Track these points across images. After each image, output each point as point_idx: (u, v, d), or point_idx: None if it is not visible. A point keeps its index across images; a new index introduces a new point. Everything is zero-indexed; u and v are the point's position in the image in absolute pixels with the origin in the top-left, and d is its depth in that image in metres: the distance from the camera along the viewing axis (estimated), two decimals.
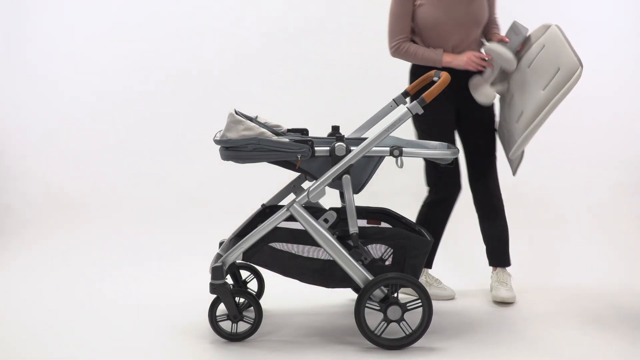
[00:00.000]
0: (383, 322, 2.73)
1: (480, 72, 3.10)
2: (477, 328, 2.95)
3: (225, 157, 2.74)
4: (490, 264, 3.34)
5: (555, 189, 4.53)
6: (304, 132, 3.01)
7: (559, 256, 3.90)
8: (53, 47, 4.74)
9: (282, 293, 3.23)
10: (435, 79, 2.99)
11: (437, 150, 2.88)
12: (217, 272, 2.74)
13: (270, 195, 3.09)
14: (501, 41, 3.11)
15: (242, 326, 2.83)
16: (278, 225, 2.76)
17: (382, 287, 2.71)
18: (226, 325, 2.82)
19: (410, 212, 3.28)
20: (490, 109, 3.22)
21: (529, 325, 2.97)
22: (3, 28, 4.72)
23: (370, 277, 2.72)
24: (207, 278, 2.80)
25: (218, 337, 2.81)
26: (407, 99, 3.10)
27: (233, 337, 2.81)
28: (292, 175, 2.97)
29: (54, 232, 4.34)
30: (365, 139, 2.78)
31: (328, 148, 2.72)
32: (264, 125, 2.87)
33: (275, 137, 2.70)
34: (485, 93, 3.06)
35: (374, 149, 2.73)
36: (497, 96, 3.18)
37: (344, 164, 2.72)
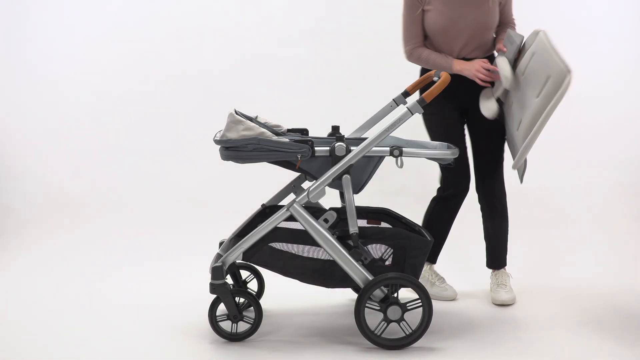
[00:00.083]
0: (383, 322, 2.73)
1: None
2: (477, 328, 2.95)
3: (225, 157, 2.74)
4: (489, 266, 3.34)
5: (555, 189, 4.53)
6: (304, 132, 3.01)
7: (559, 256, 3.90)
8: (53, 47, 4.74)
9: (282, 293, 3.23)
10: (435, 79, 3.00)
11: (437, 150, 2.88)
12: (217, 272, 2.74)
13: (270, 195, 3.09)
14: (500, 50, 3.09)
15: (242, 326, 2.83)
16: (278, 225, 2.76)
17: (382, 287, 2.71)
18: (226, 325, 2.82)
19: (410, 212, 3.28)
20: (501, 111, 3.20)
21: (529, 326, 2.97)
22: (3, 28, 4.71)
23: (370, 277, 2.72)
24: (207, 278, 2.80)
25: (218, 337, 2.81)
26: (408, 99, 3.09)
27: (233, 337, 2.81)
28: (292, 175, 2.97)
29: (54, 232, 4.34)
30: (365, 139, 2.78)
31: (328, 148, 2.72)
32: (264, 125, 2.87)
33: (275, 137, 2.70)
34: (488, 106, 3.03)
35: (374, 149, 2.73)
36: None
37: (344, 164, 2.72)
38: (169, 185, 4.64)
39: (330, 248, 2.72)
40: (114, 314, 3.14)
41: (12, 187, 4.63)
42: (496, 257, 3.31)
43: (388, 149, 2.73)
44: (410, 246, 2.77)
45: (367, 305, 2.72)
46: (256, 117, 2.94)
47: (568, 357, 2.67)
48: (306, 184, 2.94)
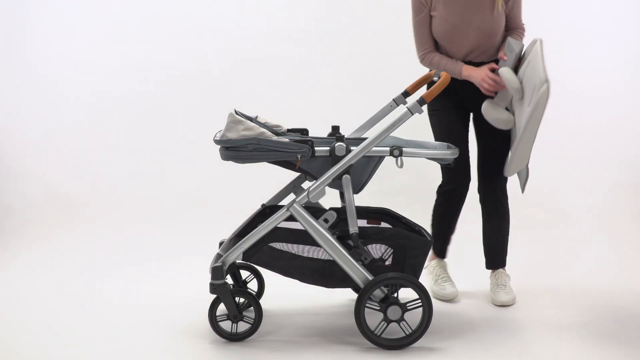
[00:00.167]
0: (383, 322, 2.74)
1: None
2: (477, 328, 2.95)
3: (225, 157, 2.74)
4: (488, 267, 3.34)
5: (555, 189, 4.53)
6: (304, 132, 3.01)
7: (559, 256, 3.90)
8: (53, 47, 4.74)
9: (282, 293, 3.23)
10: (435, 78, 3.00)
11: (437, 150, 2.88)
12: (217, 272, 2.75)
13: (270, 195, 3.09)
14: (500, 58, 3.09)
15: (242, 326, 2.83)
16: (278, 225, 2.76)
17: (382, 287, 2.71)
18: (226, 325, 2.82)
19: (410, 212, 3.28)
20: None
21: (529, 326, 2.97)
22: (3, 28, 4.72)
23: (370, 277, 2.72)
24: (207, 278, 2.80)
25: (218, 337, 2.81)
26: (408, 99, 3.10)
27: (233, 337, 2.81)
28: (292, 175, 2.97)
29: (54, 232, 4.34)
30: (365, 139, 2.78)
31: (328, 148, 2.72)
32: (264, 125, 2.87)
33: (275, 137, 2.70)
34: (498, 117, 3.01)
35: (374, 149, 2.73)
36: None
37: (344, 164, 2.72)
38: (169, 185, 4.64)
39: (330, 248, 2.72)
40: (114, 314, 3.14)
41: (12, 187, 4.63)
42: (494, 258, 3.31)
43: (388, 149, 2.73)
44: (410, 246, 2.77)
45: (367, 305, 2.72)
46: (256, 117, 2.94)
47: (568, 357, 2.67)
48: (306, 184, 2.94)
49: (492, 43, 3.12)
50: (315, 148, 2.71)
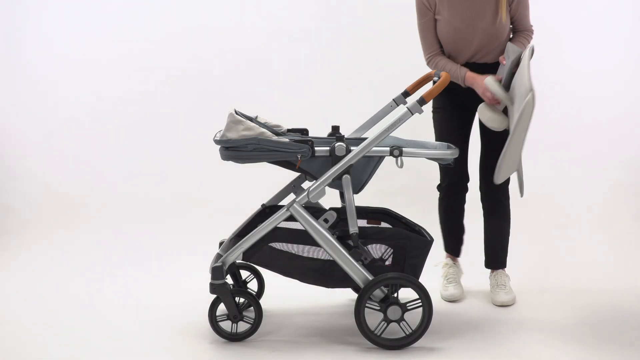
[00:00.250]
0: (383, 322, 2.74)
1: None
2: (477, 328, 2.95)
3: (225, 157, 2.74)
4: (487, 266, 3.34)
5: (555, 189, 4.53)
6: (304, 132, 3.01)
7: (559, 256, 3.90)
8: (53, 47, 4.74)
9: (282, 293, 3.23)
10: (435, 78, 3.00)
11: (437, 150, 2.88)
12: (217, 272, 2.75)
13: (270, 195, 3.09)
14: (500, 63, 3.07)
15: (242, 326, 2.83)
16: (278, 225, 2.76)
17: (382, 287, 2.71)
18: (226, 325, 2.82)
19: (410, 212, 3.28)
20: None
21: (529, 326, 2.97)
22: (3, 28, 4.72)
23: (370, 277, 2.72)
24: (207, 278, 2.80)
25: (218, 337, 2.81)
26: (408, 99, 3.10)
27: (233, 337, 2.81)
28: (292, 175, 2.97)
29: (54, 232, 4.34)
30: (365, 139, 2.78)
31: (328, 148, 2.72)
32: (264, 125, 2.87)
33: (275, 137, 2.70)
34: (493, 117, 3.02)
35: (374, 149, 2.73)
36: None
37: (344, 164, 2.72)
38: (169, 185, 4.64)
39: (330, 248, 2.72)
40: (114, 314, 3.14)
41: (12, 187, 4.64)
42: (494, 258, 3.31)
43: (388, 149, 2.73)
44: (410, 246, 2.77)
45: (367, 305, 2.72)
46: (256, 117, 2.94)
47: (568, 357, 2.67)
48: (306, 184, 2.94)
49: (497, 44, 3.11)
50: (315, 148, 2.71)
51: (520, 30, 3.18)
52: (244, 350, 2.74)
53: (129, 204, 4.57)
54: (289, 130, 2.99)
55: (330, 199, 2.93)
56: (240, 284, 3.11)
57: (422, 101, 2.71)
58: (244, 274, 3.20)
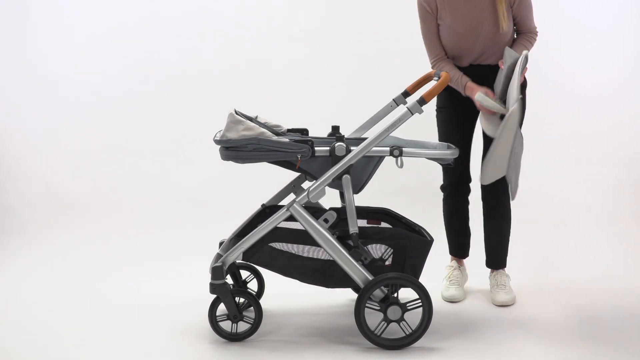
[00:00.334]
0: (383, 322, 2.74)
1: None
2: (477, 328, 2.95)
3: (225, 157, 2.74)
4: (487, 265, 3.34)
5: (554, 188, 4.53)
6: (304, 132, 3.01)
7: (559, 256, 3.90)
8: (53, 47, 4.74)
9: (282, 293, 3.23)
10: (435, 78, 3.00)
11: (437, 150, 2.88)
12: (217, 272, 2.75)
13: (270, 195, 3.09)
14: (499, 67, 3.07)
15: (242, 326, 2.83)
16: (278, 225, 2.76)
17: (382, 287, 2.71)
18: (226, 325, 2.82)
19: (410, 212, 3.28)
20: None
21: (529, 326, 2.97)
22: (3, 28, 4.72)
23: (370, 277, 2.72)
24: (207, 278, 2.80)
25: (218, 337, 2.81)
26: (408, 99, 3.10)
27: (233, 337, 2.81)
28: (292, 175, 2.97)
29: (54, 232, 4.34)
30: (365, 139, 2.78)
31: (328, 148, 2.72)
32: (264, 125, 2.87)
33: (275, 137, 2.70)
34: (486, 126, 3.03)
35: (374, 149, 2.73)
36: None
37: (344, 164, 2.72)
38: (169, 185, 4.64)
39: (330, 248, 2.72)
40: (114, 314, 3.14)
41: (12, 187, 4.64)
42: (494, 258, 3.32)
43: (388, 149, 2.73)
44: (410, 246, 2.78)
45: (367, 305, 2.72)
46: (256, 117, 2.94)
47: (568, 357, 2.67)
48: (306, 184, 2.94)
49: (501, 46, 3.09)
50: (315, 148, 2.71)
51: (523, 32, 3.16)
52: (244, 350, 2.74)
53: (129, 204, 4.57)
54: (289, 130, 2.99)
55: (330, 199, 2.93)
56: (240, 284, 3.11)
57: (422, 101, 2.70)
58: (244, 274, 3.20)
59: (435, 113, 3.28)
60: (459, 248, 3.39)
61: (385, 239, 2.78)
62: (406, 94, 3.11)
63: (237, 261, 2.81)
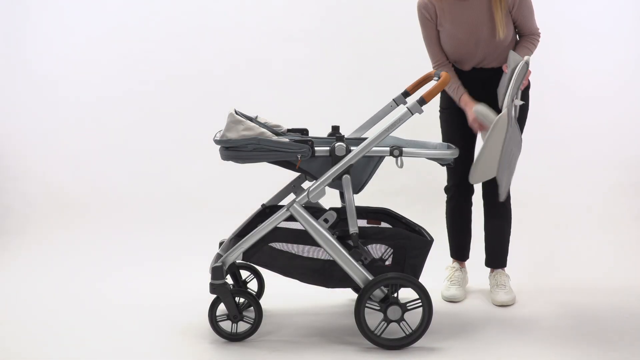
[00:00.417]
0: (383, 322, 2.74)
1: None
2: (477, 328, 2.95)
3: (225, 157, 2.74)
4: (487, 264, 3.34)
5: (555, 189, 4.53)
6: (304, 132, 3.01)
7: (559, 256, 3.90)
8: (53, 47, 4.73)
9: (282, 293, 3.23)
10: (435, 78, 3.00)
11: (437, 150, 2.88)
12: (217, 272, 2.75)
13: (270, 195, 3.09)
14: (503, 70, 3.07)
15: (242, 326, 2.83)
16: (278, 225, 2.76)
17: (382, 287, 2.71)
18: (226, 325, 2.82)
19: (410, 212, 3.28)
20: (521, 115, 3.18)
21: (529, 326, 2.97)
22: (3, 28, 4.71)
23: (370, 277, 2.72)
24: (207, 278, 2.80)
25: (218, 337, 2.81)
26: (407, 99, 3.10)
27: (233, 337, 2.81)
28: (292, 175, 2.97)
29: (54, 232, 4.34)
30: (365, 139, 2.78)
31: (328, 148, 2.72)
32: (264, 125, 2.87)
33: (275, 137, 2.70)
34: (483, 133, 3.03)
35: (374, 149, 2.73)
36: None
37: (344, 164, 2.72)
38: (169, 185, 4.64)
39: (330, 248, 2.72)
40: (114, 314, 3.14)
41: (12, 187, 4.64)
42: (494, 257, 3.32)
43: (388, 149, 2.73)
44: (410, 246, 2.78)
45: (367, 305, 2.72)
46: (256, 117, 2.94)
47: (568, 357, 2.67)
48: (306, 184, 2.94)
49: (503, 50, 3.09)
50: (315, 148, 2.71)
51: (525, 34, 3.15)
52: (244, 350, 2.74)
53: (129, 204, 4.57)
54: (289, 130, 2.99)
55: (330, 199, 2.93)
56: (240, 284, 3.11)
57: (422, 101, 2.70)
58: (244, 274, 3.20)
59: (438, 114, 3.29)
60: (460, 250, 3.39)
61: (385, 239, 2.78)
62: (406, 94, 3.11)
63: (237, 261, 2.81)
